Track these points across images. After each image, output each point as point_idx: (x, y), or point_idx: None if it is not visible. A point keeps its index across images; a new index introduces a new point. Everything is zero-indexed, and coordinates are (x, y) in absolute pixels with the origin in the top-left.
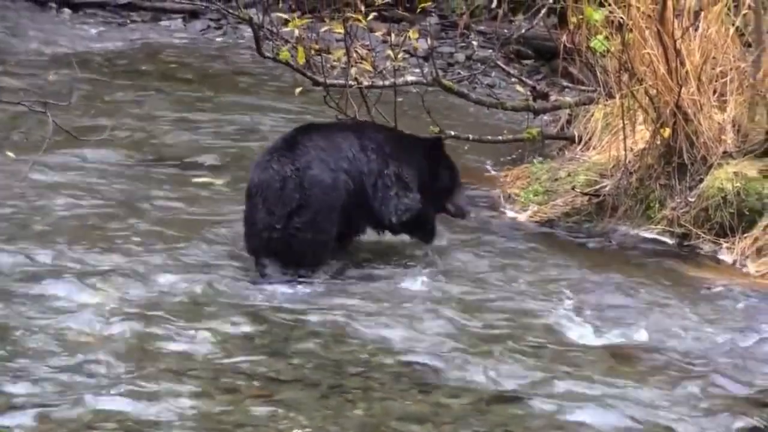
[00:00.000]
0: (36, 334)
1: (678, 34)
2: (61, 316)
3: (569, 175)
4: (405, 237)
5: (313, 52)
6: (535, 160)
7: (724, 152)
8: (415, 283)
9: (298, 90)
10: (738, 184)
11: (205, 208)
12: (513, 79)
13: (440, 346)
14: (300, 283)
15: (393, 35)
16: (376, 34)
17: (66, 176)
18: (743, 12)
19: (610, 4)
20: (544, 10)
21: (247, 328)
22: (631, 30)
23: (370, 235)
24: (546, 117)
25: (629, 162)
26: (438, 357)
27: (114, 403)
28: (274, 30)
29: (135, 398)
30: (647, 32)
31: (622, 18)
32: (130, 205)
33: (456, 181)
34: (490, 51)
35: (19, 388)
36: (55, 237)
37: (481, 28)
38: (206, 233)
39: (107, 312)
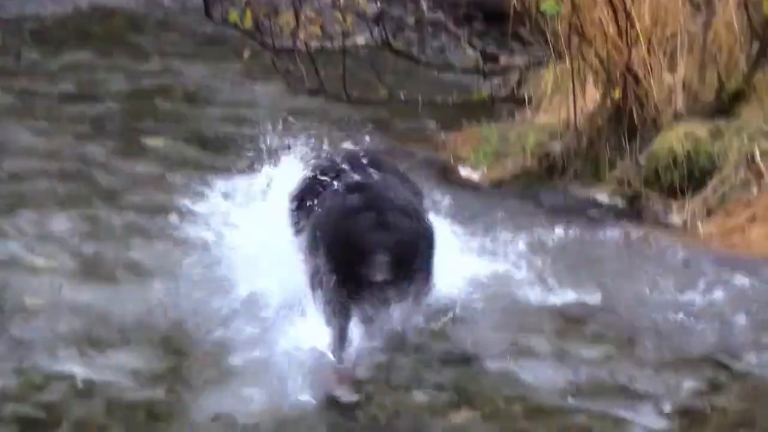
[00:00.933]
0: None
1: None
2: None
3: (519, 137)
4: None
5: (262, 15)
6: (485, 123)
7: (675, 113)
8: None
9: (246, 54)
10: (688, 145)
11: (155, 168)
12: (463, 42)
13: None
14: None
15: None
16: None
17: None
18: None
19: None
20: None
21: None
22: None
23: None
24: (496, 80)
25: (579, 124)
26: None
27: (65, 365)
28: None
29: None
30: None
31: None
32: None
33: None
34: (440, 13)
35: None
36: (9, 200)
37: None
38: (159, 194)
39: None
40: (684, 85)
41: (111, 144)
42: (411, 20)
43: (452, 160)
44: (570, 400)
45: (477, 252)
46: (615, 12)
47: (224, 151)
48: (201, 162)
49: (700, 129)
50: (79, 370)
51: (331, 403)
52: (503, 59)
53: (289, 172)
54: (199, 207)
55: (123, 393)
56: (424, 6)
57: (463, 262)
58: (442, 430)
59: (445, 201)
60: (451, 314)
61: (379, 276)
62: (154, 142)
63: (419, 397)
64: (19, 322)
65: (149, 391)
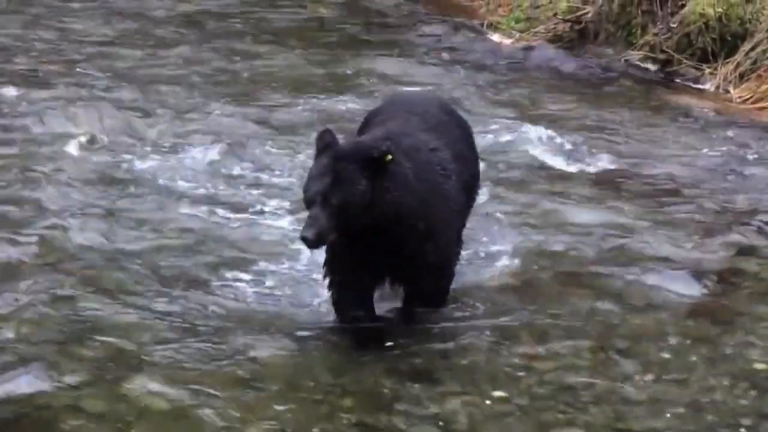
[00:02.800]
0: None
1: None
2: None
3: (550, 2)
4: None
5: None
6: None
7: None
8: None
9: None
10: (720, 9)
11: None
12: None
13: None
14: None
15: None
16: None
17: None
18: None
19: None
20: None
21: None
22: None
23: None
24: None
25: None
26: None
27: None
28: None
29: None
30: None
31: None
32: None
33: None
34: None
35: None
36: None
37: None
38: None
39: None
40: None
41: None
42: None
43: (485, 26)
44: (602, 268)
45: (508, 116)
46: None
47: None
48: None
49: None
50: None
51: None
52: None
53: None
54: None
55: None
56: None
57: (493, 129)
58: (475, 295)
59: (477, 66)
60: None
61: None
62: None
63: None
64: None
65: None
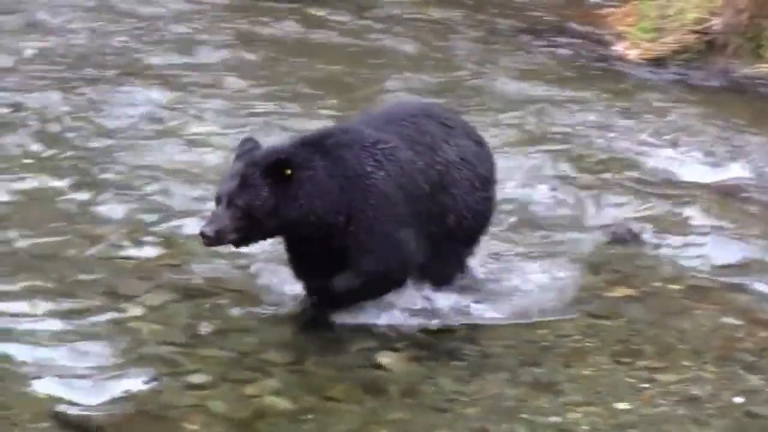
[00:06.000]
0: None
1: None
2: None
3: (679, 12)
4: None
5: None
6: None
7: None
8: None
9: None
10: None
11: None
12: None
13: (547, 181)
14: None
15: None
16: None
17: None
18: None
19: None
20: None
21: None
22: None
23: None
24: None
25: None
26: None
27: None
28: None
29: None
30: None
31: None
32: None
33: None
34: None
35: None
36: None
37: None
38: None
39: None
40: None
41: None
42: None
43: (612, 35)
44: (730, 279)
45: (631, 128)
46: None
47: None
48: None
49: None
50: None
51: None
52: None
53: None
54: None
55: None
56: None
57: (616, 137)
58: (601, 305)
59: (603, 76)
60: (602, 186)
61: None
62: None
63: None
64: None
65: None
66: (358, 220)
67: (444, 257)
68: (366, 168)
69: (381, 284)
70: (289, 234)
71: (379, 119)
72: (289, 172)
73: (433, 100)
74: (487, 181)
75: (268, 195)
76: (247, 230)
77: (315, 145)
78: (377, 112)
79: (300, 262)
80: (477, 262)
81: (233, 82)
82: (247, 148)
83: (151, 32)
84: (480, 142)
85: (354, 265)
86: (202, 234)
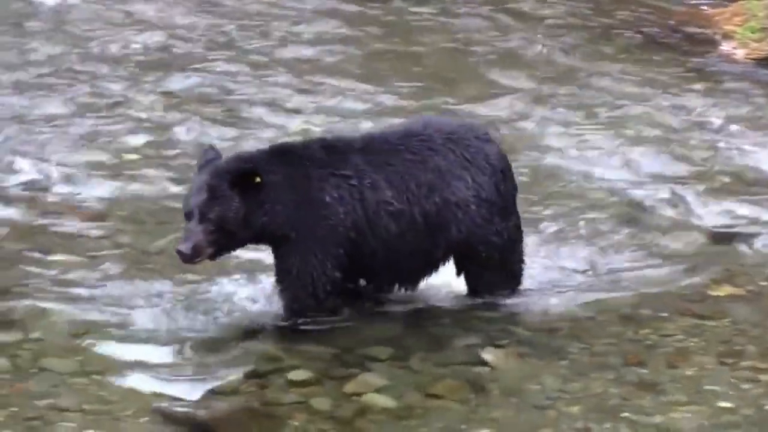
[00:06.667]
0: None
1: None
2: None
3: None
4: None
5: None
6: None
7: None
8: None
9: None
10: None
11: None
12: None
13: (651, 180)
14: None
15: None
16: None
17: None
18: None
19: None
20: None
21: None
22: None
23: None
24: None
25: None
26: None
27: None
28: None
29: None
30: None
31: None
32: None
33: None
34: None
35: None
36: None
37: None
38: None
39: None
40: None
41: None
42: None
43: (718, 35)
44: None
45: (738, 131)
46: None
47: None
48: None
49: None
50: None
51: None
52: None
53: None
54: None
55: None
56: None
57: (722, 138)
58: (705, 304)
59: (710, 76)
60: (708, 190)
61: None
62: None
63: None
64: None
65: None
66: (298, 245)
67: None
68: (325, 198)
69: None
70: (259, 242)
71: (381, 142)
72: (258, 180)
73: (538, 97)
74: (505, 211)
75: (239, 205)
76: (222, 242)
77: (286, 155)
78: (385, 133)
79: None
80: (585, 258)
81: (333, 77)
82: (208, 158)
83: (253, 28)
84: (500, 170)
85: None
86: (179, 252)
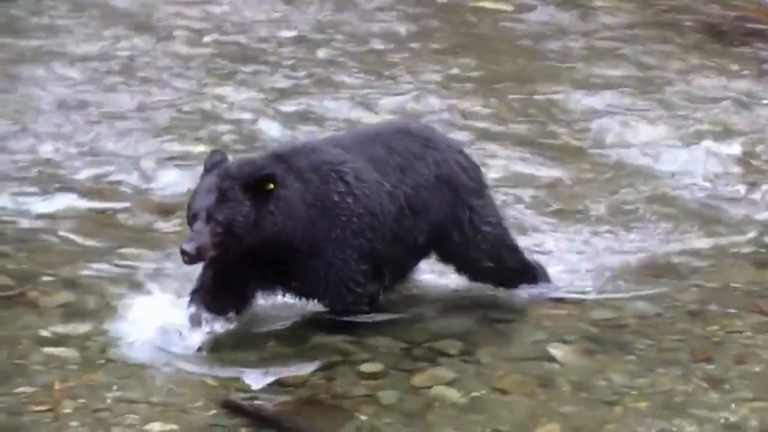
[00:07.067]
0: None
1: None
2: None
3: None
4: None
5: None
6: None
7: None
8: None
9: None
10: None
11: None
12: None
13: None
14: None
15: None
16: None
17: None
18: None
19: None
20: None
21: None
22: None
23: None
24: None
25: None
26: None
27: None
28: None
29: None
30: None
31: None
32: None
33: None
34: None
35: None
36: None
37: None
38: None
39: None
40: None
41: None
42: None
43: None
44: None
45: None
46: None
47: None
48: None
49: None
50: None
51: None
52: None
53: None
54: None
55: None
56: None
57: None
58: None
59: None
60: None
61: None
62: None
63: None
64: None
65: None
66: (319, 249)
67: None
68: (333, 197)
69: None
70: (261, 250)
71: (350, 138)
72: (271, 186)
73: (614, 93)
74: (473, 192)
75: (250, 209)
76: (227, 246)
77: (287, 162)
78: (349, 132)
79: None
80: (652, 254)
81: (407, 73)
82: (216, 161)
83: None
84: (463, 153)
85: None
86: (183, 252)
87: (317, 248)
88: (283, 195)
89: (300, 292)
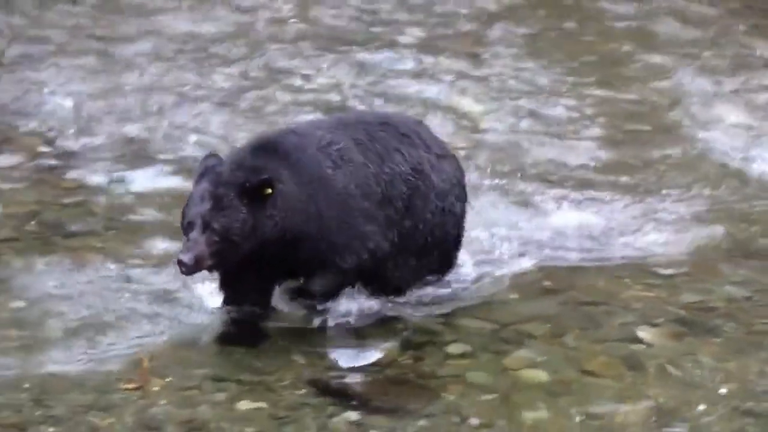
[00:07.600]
0: None
1: None
2: None
3: None
4: None
5: None
6: None
7: None
8: None
9: None
10: None
11: None
12: None
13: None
14: None
15: None
16: None
17: None
18: None
19: None
20: None
21: None
22: None
23: None
24: None
25: None
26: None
27: None
28: None
29: None
30: None
31: None
32: None
33: None
34: None
35: None
36: None
37: None
38: None
39: None
40: None
41: None
42: None
43: None
44: None
45: None
46: None
47: None
48: None
49: None
50: None
51: None
52: None
53: None
54: None
55: None
56: None
57: None
58: None
59: None
60: None
61: None
62: None
63: None
64: None
65: None
66: (327, 224)
67: (394, 269)
68: (325, 170)
69: (353, 276)
70: (262, 252)
71: (330, 123)
72: (269, 191)
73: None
74: (443, 194)
75: (247, 216)
76: (225, 254)
77: (273, 152)
78: (329, 117)
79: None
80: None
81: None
82: (209, 166)
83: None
84: (442, 155)
85: (330, 265)
86: (180, 262)
87: (324, 220)
88: (280, 191)
89: (311, 267)
